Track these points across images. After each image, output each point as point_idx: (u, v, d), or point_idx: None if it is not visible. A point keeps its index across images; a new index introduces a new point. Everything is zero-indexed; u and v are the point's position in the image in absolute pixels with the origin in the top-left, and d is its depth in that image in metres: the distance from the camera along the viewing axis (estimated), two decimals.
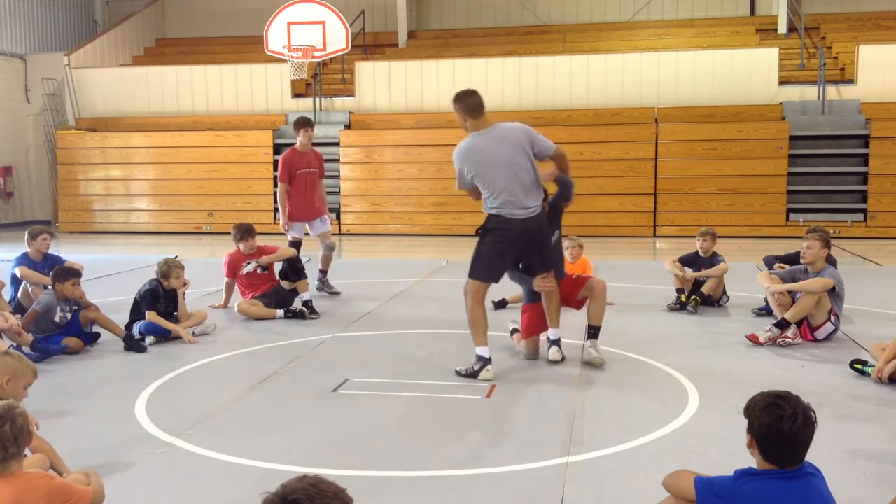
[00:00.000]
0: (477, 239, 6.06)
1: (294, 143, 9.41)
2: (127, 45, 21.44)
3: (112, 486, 3.89)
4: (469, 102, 5.85)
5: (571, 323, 7.55)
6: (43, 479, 3.07)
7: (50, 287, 6.97)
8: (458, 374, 5.91)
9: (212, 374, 6.21)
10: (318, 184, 9.38)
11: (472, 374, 5.84)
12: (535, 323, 6.42)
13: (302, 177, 9.20)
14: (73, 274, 6.95)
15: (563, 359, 6.27)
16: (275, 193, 17.47)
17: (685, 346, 6.87)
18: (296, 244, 9.19)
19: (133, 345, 6.75)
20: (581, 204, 16.55)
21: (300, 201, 9.21)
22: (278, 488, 2.01)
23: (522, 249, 6.05)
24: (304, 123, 9.22)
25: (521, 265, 6.21)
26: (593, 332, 6.34)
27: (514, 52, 18.77)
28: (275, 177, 17.35)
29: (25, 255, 8.20)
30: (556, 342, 6.30)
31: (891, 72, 16.33)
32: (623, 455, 4.35)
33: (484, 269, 5.98)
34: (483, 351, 5.89)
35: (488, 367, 5.85)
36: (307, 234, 9.43)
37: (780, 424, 2.77)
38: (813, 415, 2.82)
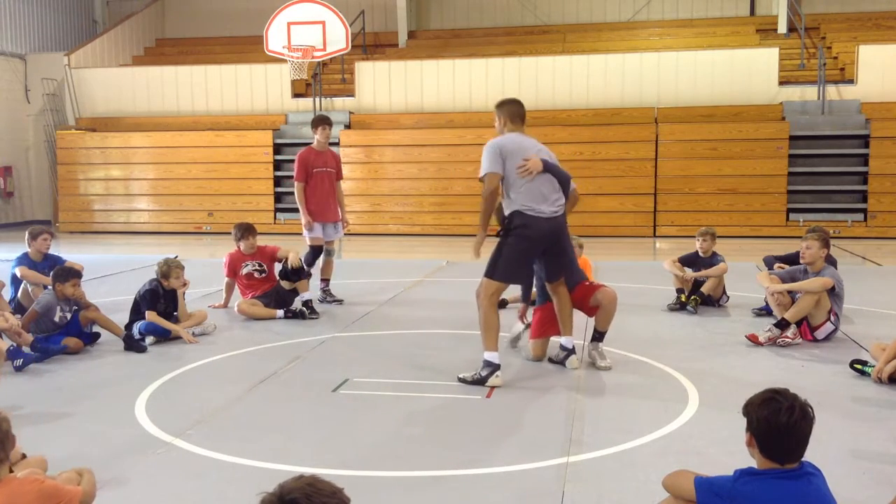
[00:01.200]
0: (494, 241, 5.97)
1: (311, 143, 9.04)
2: (127, 45, 21.45)
3: (112, 486, 3.90)
4: (515, 109, 5.97)
5: (575, 323, 7.56)
6: (32, 483, 3.04)
7: (50, 287, 6.97)
8: (464, 381, 5.71)
9: (212, 374, 6.21)
10: (335, 185, 9.05)
11: (480, 381, 5.67)
12: (546, 325, 6.39)
13: (319, 176, 8.87)
14: (73, 274, 6.95)
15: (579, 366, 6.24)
16: (275, 194, 17.56)
17: (685, 346, 6.87)
18: (316, 248, 8.91)
19: (133, 345, 6.75)
20: (581, 204, 16.49)
21: (317, 202, 8.87)
22: (276, 488, 2.01)
23: (544, 250, 5.95)
24: (321, 121, 8.91)
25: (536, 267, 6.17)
26: (598, 335, 6.29)
27: (514, 52, 18.78)
28: (276, 177, 17.52)
29: (26, 255, 8.20)
30: (573, 350, 6.20)
31: (891, 72, 16.34)
32: (623, 455, 4.35)
33: (506, 270, 5.82)
34: (493, 356, 5.74)
35: (497, 373, 5.71)
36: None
37: (777, 417, 2.77)
38: (810, 410, 2.82)
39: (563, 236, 6.02)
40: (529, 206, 5.76)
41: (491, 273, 5.82)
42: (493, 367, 5.71)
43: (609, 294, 6.24)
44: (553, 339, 6.43)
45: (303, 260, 8.51)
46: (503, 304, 8.21)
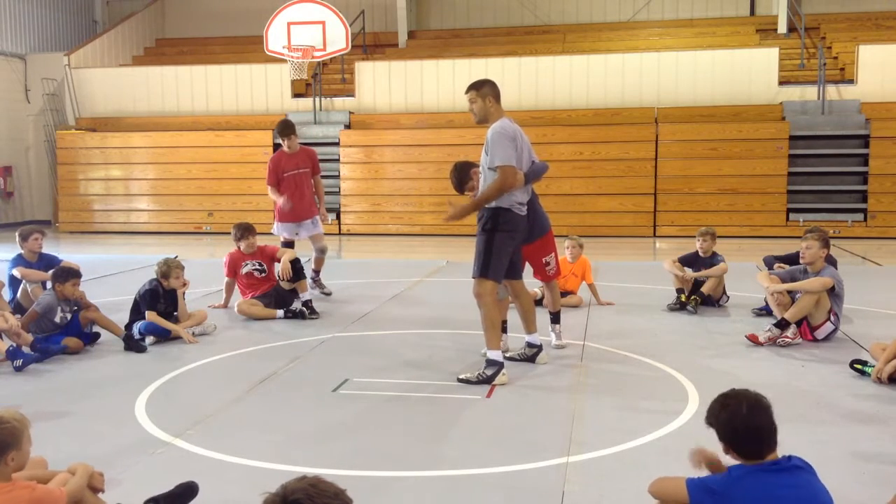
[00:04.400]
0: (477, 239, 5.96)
1: (310, 142, 9.41)
2: (127, 45, 21.45)
3: (112, 486, 3.90)
4: (497, 89, 5.88)
5: (572, 323, 7.57)
6: (24, 489, 3.06)
7: (50, 287, 6.97)
8: (467, 381, 5.67)
9: (212, 374, 6.21)
10: (310, 184, 9.26)
11: (487, 380, 5.65)
12: None
13: (291, 178, 9.11)
14: (72, 274, 6.95)
15: (556, 349, 6.54)
16: None
17: (685, 346, 6.87)
18: (288, 245, 9.17)
19: (133, 345, 6.75)
20: (581, 204, 16.66)
21: (289, 203, 9.07)
22: (279, 489, 2.01)
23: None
24: (281, 132, 9.07)
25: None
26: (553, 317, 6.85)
27: (514, 52, 18.78)
28: None
29: (20, 256, 8.17)
30: (541, 347, 6.30)
31: (891, 72, 16.34)
32: (623, 455, 4.35)
33: (498, 269, 5.82)
34: (497, 355, 5.76)
35: (504, 371, 5.73)
36: (296, 235, 9.30)
37: (735, 418, 2.91)
38: (764, 399, 2.95)
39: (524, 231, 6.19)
40: (515, 205, 5.82)
41: (485, 273, 5.79)
42: (499, 366, 5.72)
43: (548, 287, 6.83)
44: (518, 335, 6.49)
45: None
46: None
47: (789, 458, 2.89)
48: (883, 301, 8.79)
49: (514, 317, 6.56)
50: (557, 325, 6.82)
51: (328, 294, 9.27)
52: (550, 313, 6.85)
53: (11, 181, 19.52)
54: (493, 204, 5.75)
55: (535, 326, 6.31)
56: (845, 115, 16.41)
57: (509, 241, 5.84)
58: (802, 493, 2.82)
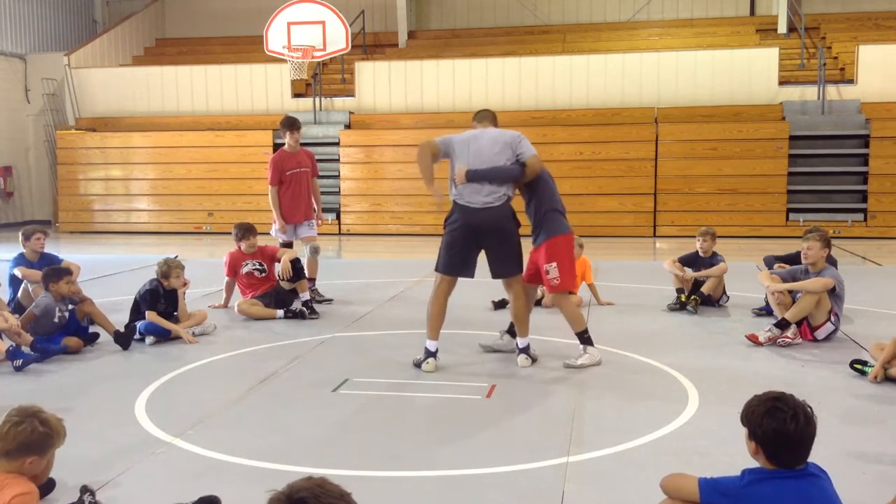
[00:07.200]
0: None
1: (283, 145, 9.25)
2: (127, 45, 21.45)
3: (112, 486, 3.91)
4: (480, 113, 6.44)
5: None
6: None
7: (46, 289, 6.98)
8: (414, 363, 6.12)
9: (212, 374, 6.21)
10: (310, 184, 9.15)
11: (417, 365, 6.08)
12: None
13: (293, 177, 8.98)
14: (65, 272, 6.98)
15: (532, 362, 6.21)
16: None
17: (685, 346, 6.87)
18: (287, 246, 9.10)
19: (122, 339, 6.75)
20: (581, 204, 16.66)
21: (290, 202, 8.99)
22: (285, 487, 2.03)
23: (479, 242, 6.07)
24: (290, 125, 8.96)
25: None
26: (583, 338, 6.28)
27: (514, 52, 18.78)
28: None
29: (21, 255, 8.18)
30: (525, 349, 6.23)
31: (891, 72, 16.34)
32: (623, 455, 4.35)
33: (444, 262, 6.10)
34: (430, 345, 6.09)
35: (430, 359, 6.04)
36: (294, 236, 9.20)
37: (785, 427, 2.77)
38: (811, 410, 2.84)
39: (498, 229, 6.04)
40: (462, 197, 6.06)
41: (436, 265, 6.17)
42: (428, 354, 6.07)
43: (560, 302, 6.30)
44: (537, 338, 6.51)
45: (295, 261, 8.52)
46: (503, 304, 8.20)
47: (806, 464, 2.84)
48: (883, 301, 8.79)
49: (536, 319, 6.55)
50: (584, 347, 6.24)
51: (329, 301, 9.12)
52: (575, 333, 6.34)
53: (11, 181, 19.53)
54: (451, 197, 6.19)
55: (525, 332, 6.25)
56: (845, 115, 16.41)
57: (455, 233, 6.06)
58: (817, 502, 2.79)
